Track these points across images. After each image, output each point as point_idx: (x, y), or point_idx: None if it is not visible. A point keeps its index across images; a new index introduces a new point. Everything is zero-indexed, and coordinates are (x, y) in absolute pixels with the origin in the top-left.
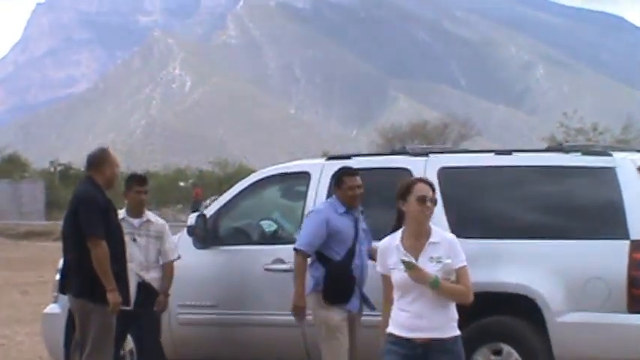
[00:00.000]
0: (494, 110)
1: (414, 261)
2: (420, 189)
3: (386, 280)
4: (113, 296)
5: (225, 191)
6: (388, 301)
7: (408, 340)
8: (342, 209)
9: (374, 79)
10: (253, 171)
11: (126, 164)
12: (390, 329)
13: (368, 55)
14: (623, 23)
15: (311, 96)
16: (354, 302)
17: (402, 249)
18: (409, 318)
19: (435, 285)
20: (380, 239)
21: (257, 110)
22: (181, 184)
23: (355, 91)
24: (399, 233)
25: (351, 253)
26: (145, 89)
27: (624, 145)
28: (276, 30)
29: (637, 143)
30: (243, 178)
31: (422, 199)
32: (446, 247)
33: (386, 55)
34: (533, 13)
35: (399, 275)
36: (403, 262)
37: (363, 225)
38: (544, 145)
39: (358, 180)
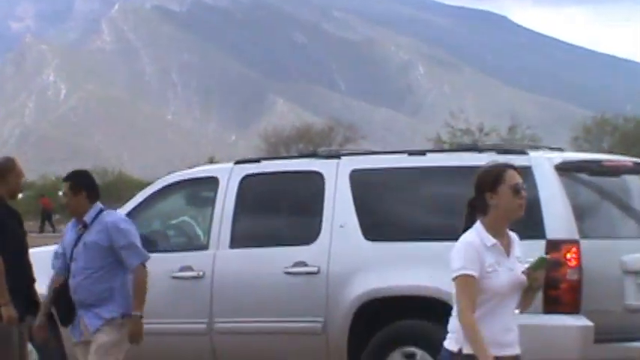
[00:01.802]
0: (376, 112)
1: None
2: (513, 177)
3: (474, 284)
4: (7, 310)
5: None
6: (474, 311)
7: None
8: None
9: (252, 83)
10: (133, 179)
11: None
12: (471, 349)
13: (246, 59)
14: (506, 23)
15: (188, 101)
16: (74, 329)
17: (499, 247)
18: (497, 332)
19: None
20: (292, 244)
21: (134, 117)
22: (60, 193)
23: (233, 95)
24: (481, 230)
25: (68, 271)
26: (19, 97)
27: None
28: (152, 34)
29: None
30: (122, 186)
31: (517, 189)
32: (519, 245)
33: (264, 58)
34: (414, 13)
35: (504, 277)
36: (544, 259)
37: (89, 237)
38: (430, 146)
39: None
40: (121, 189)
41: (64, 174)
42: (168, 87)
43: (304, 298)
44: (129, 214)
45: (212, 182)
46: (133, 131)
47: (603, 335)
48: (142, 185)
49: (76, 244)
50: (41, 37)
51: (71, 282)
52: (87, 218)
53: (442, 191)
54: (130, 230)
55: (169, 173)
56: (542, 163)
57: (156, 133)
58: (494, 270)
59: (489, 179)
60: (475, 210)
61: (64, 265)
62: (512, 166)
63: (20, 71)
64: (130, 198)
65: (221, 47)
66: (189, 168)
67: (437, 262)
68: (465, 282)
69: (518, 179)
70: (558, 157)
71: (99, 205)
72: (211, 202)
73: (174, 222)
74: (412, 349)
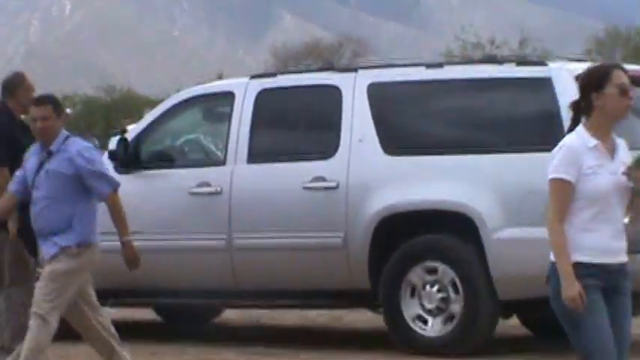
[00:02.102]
0: (384, 27)
1: None
2: (620, 76)
3: (568, 189)
4: (11, 224)
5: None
6: (564, 219)
7: (603, 266)
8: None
9: None
10: (141, 97)
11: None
12: (578, 257)
13: None
14: None
15: (195, 17)
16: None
17: (602, 149)
18: (606, 239)
19: None
20: (310, 159)
21: (140, 33)
22: (68, 110)
23: (240, 10)
24: (583, 132)
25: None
26: (22, 14)
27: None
28: None
29: (534, 57)
30: (131, 103)
31: (624, 89)
32: (625, 150)
33: None
34: None
35: (605, 180)
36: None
37: (52, 165)
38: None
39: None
40: (130, 106)
41: (70, 92)
42: (174, 3)
43: (323, 213)
44: (144, 131)
45: (228, 97)
46: (139, 48)
47: (636, 246)
48: (151, 103)
49: (38, 172)
50: None
51: (32, 210)
52: (54, 146)
53: (461, 104)
54: (97, 158)
55: (178, 90)
56: (562, 74)
57: (163, 49)
58: (593, 172)
59: (595, 79)
60: (579, 112)
61: (23, 190)
62: (619, 66)
63: None
64: (140, 115)
65: None
66: (199, 84)
67: (457, 176)
68: (557, 186)
69: (625, 79)
70: (579, 67)
71: (64, 132)
72: (227, 117)
73: (190, 137)
74: (434, 263)
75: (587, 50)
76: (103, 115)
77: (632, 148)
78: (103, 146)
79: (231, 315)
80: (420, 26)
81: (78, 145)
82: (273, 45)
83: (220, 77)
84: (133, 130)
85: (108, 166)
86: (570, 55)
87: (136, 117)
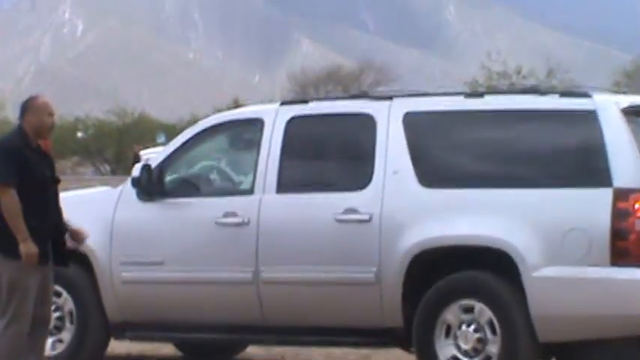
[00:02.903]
0: (405, 54)
1: None
2: None
3: None
4: (25, 246)
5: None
6: None
7: None
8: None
9: (276, 22)
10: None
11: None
12: None
13: None
14: None
15: (210, 41)
16: None
17: None
18: None
19: None
20: (342, 190)
21: (154, 56)
22: (79, 134)
23: (256, 34)
24: None
25: None
26: (34, 34)
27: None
28: None
29: (563, 87)
30: (143, 127)
31: None
32: None
33: None
34: None
35: None
36: None
37: None
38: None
39: None
40: (142, 130)
41: (81, 114)
42: (189, 25)
43: (355, 246)
44: (169, 157)
45: (257, 124)
46: (152, 71)
47: None
48: (164, 127)
49: None
50: None
51: None
52: None
53: (501, 136)
54: None
55: (191, 115)
56: (608, 106)
57: (176, 73)
58: None
59: None
60: None
61: None
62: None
63: (35, 7)
64: (153, 139)
65: None
66: (214, 109)
67: (495, 210)
68: None
69: None
70: (625, 100)
71: None
72: (257, 144)
73: (217, 165)
74: (470, 301)
75: (615, 82)
76: (115, 140)
77: None
78: (113, 172)
79: (255, 351)
80: (441, 53)
81: None
82: (291, 71)
83: (237, 103)
84: (156, 156)
85: (131, 192)
86: (600, 87)
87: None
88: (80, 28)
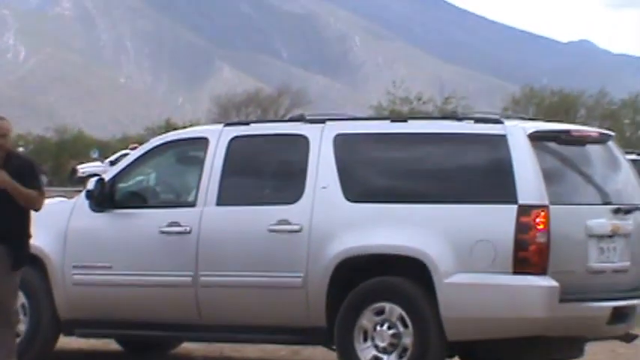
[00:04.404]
0: (313, 80)
1: None
2: None
3: None
4: None
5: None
6: None
7: None
8: None
9: (200, 50)
10: (91, 138)
11: None
12: None
13: (195, 28)
14: (436, 0)
15: (140, 66)
16: None
17: None
18: None
19: None
20: (276, 203)
21: (89, 79)
22: (20, 148)
23: (182, 61)
24: None
25: None
26: None
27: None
28: (107, 2)
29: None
30: (80, 144)
31: None
32: None
33: (212, 27)
34: None
35: None
36: None
37: None
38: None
39: None
40: (79, 146)
41: (23, 131)
42: (121, 52)
43: (286, 254)
44: (121, 172)
45: (202, 142)
46: (87, 93)
47: (567, 295)
48: (100, 144)
49: None
50: (3, 1)
51: None
52: None
53: (420, 156)
54: None
55: (124, 133)
56: (517, 131)
57: (109, 95)
58: None
59: None
60: None
61: None
62: None
63: None
64: (86, 155)
65: (172, 16)
66: (146, 128)
67: (412, 223)
68: None
69: None
70: (531, 126)
71: None
72: (200, 161)
73: (163, 180)
74: (381, 303)
75: (504, 108)
76: (54, 154)
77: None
78: (50, 183)
79: (197, 347)
80: (346, 80)
81: None
82: (215, 94)
83: (168, 123)
84: (110, 171)
85: (84, 203)
86: (489, 111)
87: (84, 157)
88: (23, 53)
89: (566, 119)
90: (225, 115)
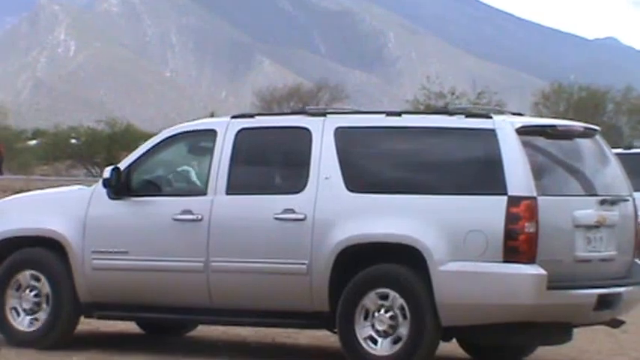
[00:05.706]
0: (351, 74)
1: None
2: None
3: None
4: None
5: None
6: None
7: None
8: None
9: (241, 45)
10: (139, 131)
11: (15, 122)
12: None
13: (237, 24)
14: None
15: (185, 60)
16: None
17: None
18: None
19: None
20: (282, 193)
21: (136, 74)
22: (73, 140)
23: (225, 55)
24: None
25: None
26: (32, 53)
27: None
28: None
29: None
30: (129, 137)
31: None
32: None
33: (254, 23)
34: None
35: None
36: None
37: None
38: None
39: None
40: (128, 139)
41: (73, 123)
42: (167, 47)
43: (291, 242)
44: (135, 161)
45: (211, 134)
46: (135, 87)
47: (555, 283)
48: (147, 136)
49: None
50: None
51: None
52: None
53: (415, 149)
54: None
55: (169, 126)
56: (505, 126)
57: (155, 88)
58: None
59: None
60: None
61: None
62: None
63: (34, 29)
64: (136, 147)
65: (215, 12)
66: (188, 121)
67: (409, 213)
68: None
69: None
70: (519, 121)
71: None
72: (210, 152)
73: (176, 169)
74: (386, 290)
75: (535, 103)
76: (105, 146)
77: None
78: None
79: (250, 333)
80: (381, 75)
81: None
82: (256, 87)
83: (212, 116)
84: (125, 160)
85: (102, 191)
86: (520, 106)
87: (134, 149)
88: (73, 48)
89: (595, 114)
90: (269, 109)
